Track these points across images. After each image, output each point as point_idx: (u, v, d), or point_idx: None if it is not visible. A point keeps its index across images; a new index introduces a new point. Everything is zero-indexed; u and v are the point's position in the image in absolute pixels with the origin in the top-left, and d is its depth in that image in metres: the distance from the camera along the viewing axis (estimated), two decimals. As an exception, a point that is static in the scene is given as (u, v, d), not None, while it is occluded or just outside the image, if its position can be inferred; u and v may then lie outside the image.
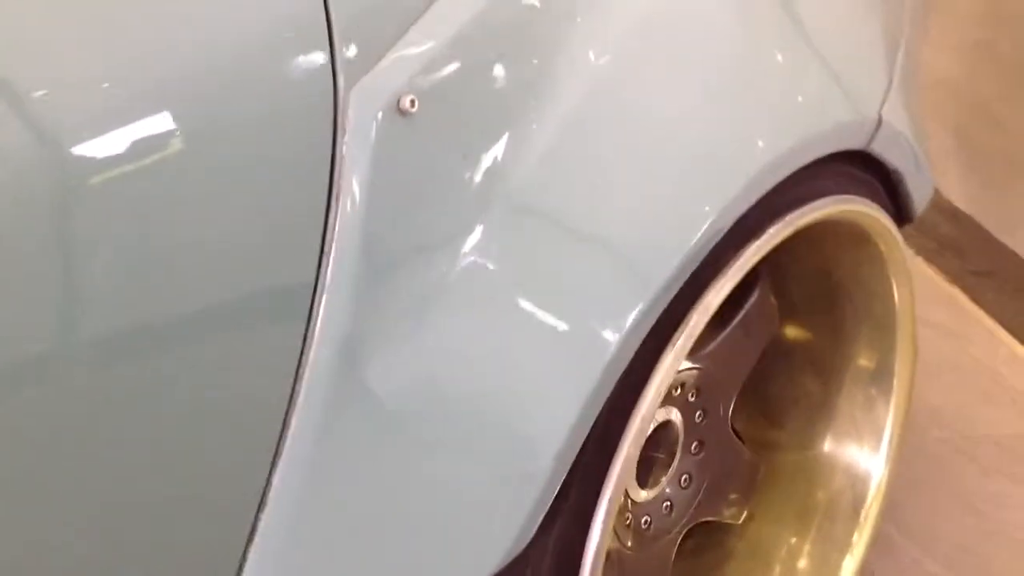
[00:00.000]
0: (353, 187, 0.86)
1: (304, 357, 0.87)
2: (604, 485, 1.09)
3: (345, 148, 0.85)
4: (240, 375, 0.86)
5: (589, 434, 1.05)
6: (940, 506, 1.98)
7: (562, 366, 0.99)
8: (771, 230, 1.17)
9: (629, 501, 1.38)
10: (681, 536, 1.48)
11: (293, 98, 0.83)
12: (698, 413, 1.44)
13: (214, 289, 0.83)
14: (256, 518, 0.90)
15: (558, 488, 1.02)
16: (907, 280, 1.45)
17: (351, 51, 0.85)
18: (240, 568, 0.90)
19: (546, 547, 1.07)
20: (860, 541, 1.56)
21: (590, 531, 1.09)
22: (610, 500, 1.09)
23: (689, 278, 1.08)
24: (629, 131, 1.02)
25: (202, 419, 0.86)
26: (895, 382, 1.54)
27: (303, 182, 0.85)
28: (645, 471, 1.40)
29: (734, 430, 1.62)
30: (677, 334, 1.10)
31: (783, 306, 1.55)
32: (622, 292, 1.01)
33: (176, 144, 0.79)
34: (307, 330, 0.87)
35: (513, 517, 0.99)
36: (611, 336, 1.00)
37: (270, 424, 0.88)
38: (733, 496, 1.55)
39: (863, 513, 1.57)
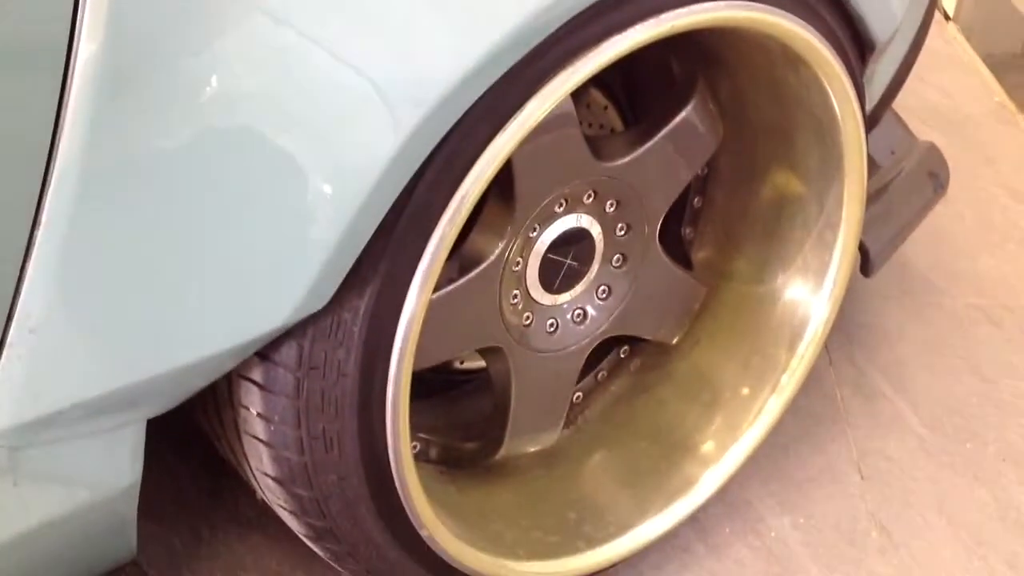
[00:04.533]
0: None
1: (66, 94, 0.92)
2: (419, 260, 1.10)
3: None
4: (3, 108, 0.91)
5: (406, 207, 1.07)
6: (947, 368, 1.91)
7: (351, 137, 1.00)
8: (639, 26, 1.13)
9: (526, 300, 1.39)
10: (592, 347, 1.48)
11: None
12: (620, 226, 1.43)
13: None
14: (29, 242, 0.95)
15: (352, 260, 1.04)
16: (852, 113, 1.38)
17: None
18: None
19: (358, 311, 1.10)
20: (794, 374, 1.53)
21: (403, 305, 1.11)
22: (424, 274, 1.11)
23: (526, 60, 1.06)
24: None
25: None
26: (842, 222, 1.48)
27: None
28: (553, 275, 1.40)
29: (688, 257, 1.61)
30: (510, 121, 1.09)
31: (746, 134, 1.50)
32: (431, 56, 1.00)
33: None
34: (67, 66, 0.91)
35: (298, 276, 1.02)
36: (409, 113, 1.00)
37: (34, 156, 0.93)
38: (662, 317, 1.54)
39: (801, 347, 1.53)
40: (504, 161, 1.11)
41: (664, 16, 1.15)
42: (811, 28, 1.28)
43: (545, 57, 1.08)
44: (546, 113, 1.11)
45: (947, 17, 2.97)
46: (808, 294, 1.53)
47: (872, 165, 1.65)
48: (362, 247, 1.05)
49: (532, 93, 1.10)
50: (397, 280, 1.10)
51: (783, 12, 1.24)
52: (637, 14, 1.13)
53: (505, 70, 1.05)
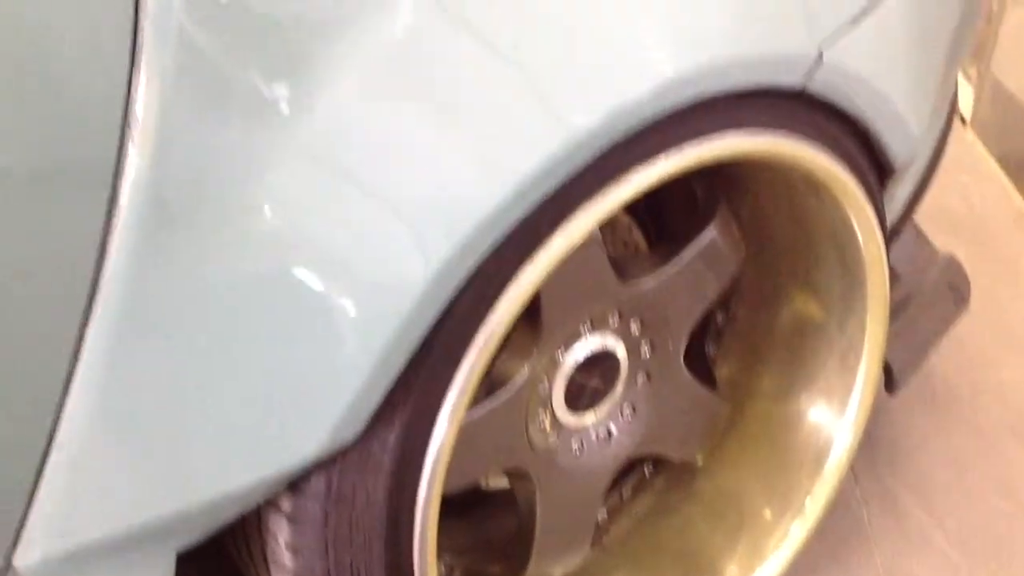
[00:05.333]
0: (155, 64, 0.92)
1: (111, 225, 0.94)
2: (449, 390, 1.11)
3: (148, 24, 0.91)
4: (49, 237, 0.93)
5: (436, 338, 1.08)
6: (973, 485, 1.90)
7: (384, 269, 1.02)
8: (662, 156, 1.15)
9: (552, 421, 1.39)
10: (619, 467, 1.48)
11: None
12: (645, 345, 1.44)
13: (20, 154, 0.91)
14: (70, 374, 0.96)
15: (385, 391, 1.05)
16: (874, 237, 1.39)
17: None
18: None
19: (387, 443, 1.11)
20: (817, 499, 1.52)
21: (432, 434, 1.12)
22: (454, 404, 1.12)
23: (553, 197, 1.08)
24: (470, 46, 1.03)
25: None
26: (865, 344, 1.48)
27: (104, 56, 0.91)
28: (578, 395, 1.41)
29: (712, 374, 1.61)
30: (539, 251, 1.11)
31: (767, 254, 1.52)
32: (462, 189, 1.02)
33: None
34: (112, 199, 0.93)
35: (331, 409, 1.03)
36: (441, 245, 1.02)
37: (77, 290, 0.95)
38: (687, 435, 1.54)
39: (824, 471, 1.53)
40: (533, 290, 1.13)
41: (687, 151, 1.17)
42: (831, 156, 1.30)
43: (573, 189, 1.10)
44: (574, 244, 1.13)
45: (964, 121, 3.00)
46: (832, 417, 1.53)
47: (892, 276, 1.66)
48: (394, 379, 1.06)
49: (561, 224, 1.11)
50: (427, 409, 1.11)
51: (804, 140, 1.26)
52: (661, 146, 1.15)
53: (535, 202, 1.07)
